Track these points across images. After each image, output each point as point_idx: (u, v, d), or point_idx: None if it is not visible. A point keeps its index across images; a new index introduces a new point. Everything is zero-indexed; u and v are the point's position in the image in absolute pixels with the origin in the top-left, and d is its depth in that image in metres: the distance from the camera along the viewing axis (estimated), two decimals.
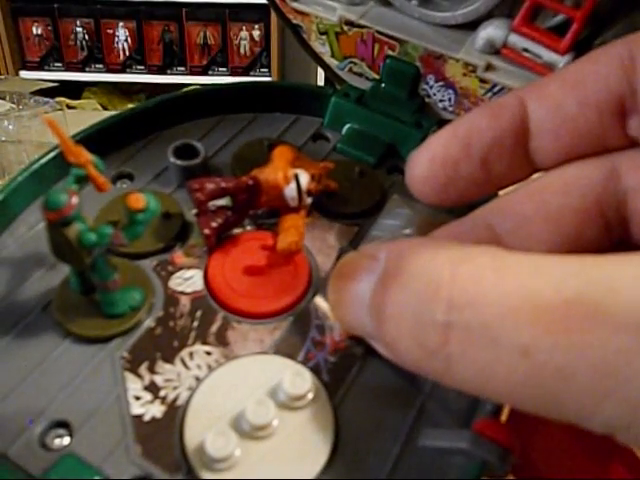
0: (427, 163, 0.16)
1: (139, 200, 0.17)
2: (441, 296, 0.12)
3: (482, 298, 0.12)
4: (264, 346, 0.20)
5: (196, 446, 0.17)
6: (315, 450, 0.17)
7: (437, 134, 0.17)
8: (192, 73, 1.64)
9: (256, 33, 1.59)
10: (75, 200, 0.16)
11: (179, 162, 0.24)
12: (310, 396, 0.18)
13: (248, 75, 1.63)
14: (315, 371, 0.19)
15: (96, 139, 0.25)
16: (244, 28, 1.58)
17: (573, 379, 0.11)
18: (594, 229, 0.15)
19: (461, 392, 0.13)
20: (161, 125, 0.27)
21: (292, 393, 0.18)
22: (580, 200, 0.15)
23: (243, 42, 1.60)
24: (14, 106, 0.66)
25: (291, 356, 0.20)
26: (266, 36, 1.58)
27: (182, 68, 1.64)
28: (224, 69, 1.63)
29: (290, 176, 0.21)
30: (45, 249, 0.22)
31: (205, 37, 1.60)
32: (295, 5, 0.28)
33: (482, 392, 0.13)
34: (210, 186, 0.21)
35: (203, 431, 0.17)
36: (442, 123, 0.27)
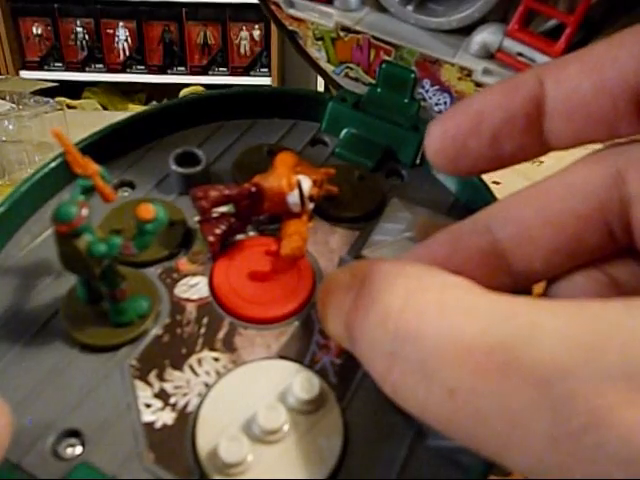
0: (439, 136, 0.17)
1: (149, 211, 0.17)
2: (388, 327, 0.13)
3: (422, 333, 0.12)
4: (271, 351, 0.20)
5: (209, 451, 0.17)
6: (325, 452, 0.18)
7: (452, 107, 0.17)
8: (192, 73, 1.64)
9: (256, 33, 1.59)
10: (85, 212, 0.16)
11: (180, 170, 0.24)
12: (319, 400, 0.19)
13: (248, 75, 1.64)
14: (322, 374, 0.20)
15: (97, 147, 0.25)
16: (244, 28, 1.59)
17: (487, 424, 0.11)
18: (596, 236, 0.15)
19: None
20: (160, 132, 0.27)
21: (302, 397, 0.18)
22: (582, 205, 0.15)
23: (243, 42, 1.60)
24: (14, 106, 0.66)
25: (298, 360, 0.20)
26: (266, 36, 1.59)
27: (182, 68, 1.64)
28: (224, 69, 1.63)
29: (293, 183, 0.21)
30: (50, 258, 0.22)
31: (205, 37, 1.60)
32: (291, 12, 0.28)
33: (422, 420, 0.13)
34: (213, 194, 0.21)
35: (215, 436, 0.18)
36: None
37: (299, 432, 0.18)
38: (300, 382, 0.18)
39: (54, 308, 0.21)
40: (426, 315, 0.13)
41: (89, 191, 0.18)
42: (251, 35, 1.59)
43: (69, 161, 0.18)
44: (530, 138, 0.16)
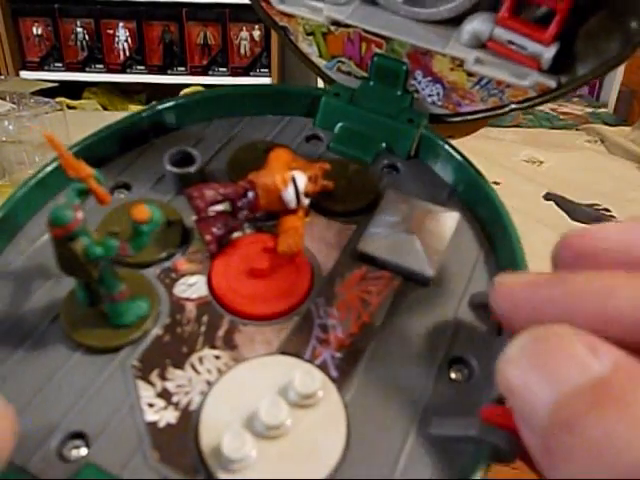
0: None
1: (144, 212, 0.17)
2: None
3: None
4: (271, 347, 0.20)
5: (212, 448, 0.18)
6: (328, 447, 0.18)
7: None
8: (192, 73, 1.64)
9: (256, 33, 1.60)
10: (80, 215, 0.16)
11: (175, 170, 0.24)
12: (320, 394, 0.19)
13: (248, 75, 1.64)
14: (323, 368, 0.20)
15: (91, 150, 0.25)
16: (244, 28, 1.60)
17: None
18: None
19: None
20: (154, 133, 0.27)
21: (303, 392, 0.18)
22: None
23: (243, 42, 1.61)
24: (14, 106, 0.66)
25: (298, 355, 0.20)
26: (266, 36, 1.60)
27: (182, 68, 1.65)
28: (224, 69, 1.64)
29: (287, 179, 0.21)
30: (49, 262, 0.22)
31: (205, 37, 1.61)
32: (281, 7, 0.28)
33: None
34: (209, 193, 0.21)
35: (218, 433, 0.18)
36: (433, 118, 0.28)
37: (301, 427, 0.18)
38: (300, 377, 0.18)
39: (54, 312, 0.21)
40: None
41: (84, 194, 0.18)
42: (251, 35, 1.60)
43: (62, 165, 0.18)
44: None
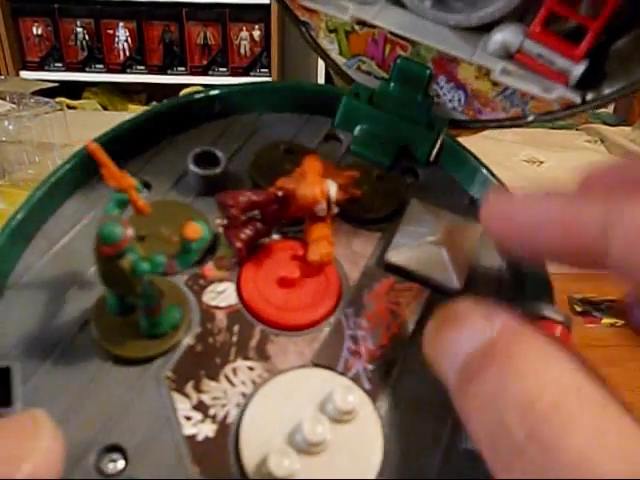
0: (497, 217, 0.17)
1: (196, 230, 0.16)
2: (527, 419, 0.12)
3: (563, 446, 0.12)
4: (304, 358, 0.21)
5: (256, 464, 0.18)
6: (367, 460, 0.18)
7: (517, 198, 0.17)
8: (192, 73, 1.65)
9: (256, 33, 1.60)
10: (130, 232, 0.16)
11: (201, 171, 0.24)
12: (358, 408, 0.19)
13: (248, 75, 1.65)
14: (356, 380, 0.20)
15: (109, 147, 0.24)
16: (244, 28, 1.60)
17: None
18: None
19: None
20: (172, 130, 0.26)
21: (343, 408, 0.18)
22: None
23: (243, 42, 1.62)
24: (14, 106, 0.64)
25: (331, 367, 0.20)
26: (266, 36, 1.60)
27: (182, 68, 1.65)
28: (224, 69, 1.65)
29: (326, 191, 0.21)
30: (71, 264, 0.22)
31: (205, 37, 1.61)
32: (305, 3, 0.27)
33: None
34: (243, 199, 0.21)
35: (259, 449, 0.18)
36: (452, 123, 0.28)
37: (340, 442, 0.18)
38: (341, 393, 0.19)
39: (82, 319, 0.20)
40: (577, 432, 0.12)
41: (124, 204, 0.18)
42: (251, 35, 1.61)
43: (104, 175, 0.17)
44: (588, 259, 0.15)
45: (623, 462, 0.11)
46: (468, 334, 0.15)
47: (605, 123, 1.16)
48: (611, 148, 1.00)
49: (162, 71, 1.66)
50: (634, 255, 0.14)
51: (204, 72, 1.66)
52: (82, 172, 0.23)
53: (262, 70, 1.66)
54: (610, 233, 0.14)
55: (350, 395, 0.19)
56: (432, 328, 0.16)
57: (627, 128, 1.09)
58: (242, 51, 1.63)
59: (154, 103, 1.67)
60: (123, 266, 0.16)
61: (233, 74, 1.65)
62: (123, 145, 0.24)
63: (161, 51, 1.64)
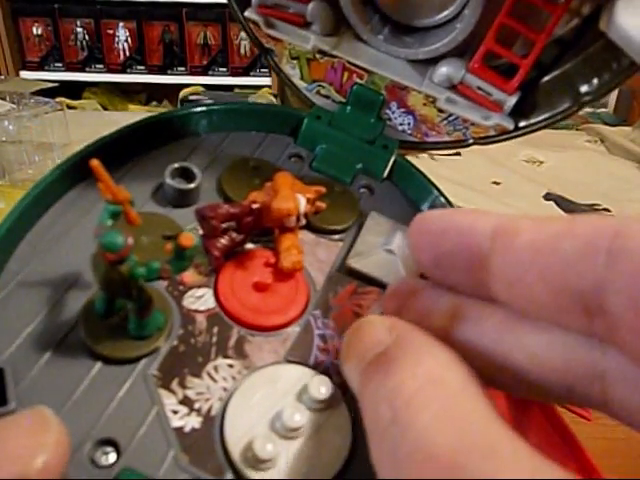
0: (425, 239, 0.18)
1: (190, 239, 0.18)
2: (395, 404, 0.14)
3: (413, 425, 0.13)
4: (279, 355, 0.23)
5: (240, 450, 0.20)
6: (338, 445, 0.21)
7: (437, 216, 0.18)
8: (192, 73, 1.64)
9: None
10: (131, 240, 0.18)
11: (179, 185, 0.25)
12: (330, 399, 0.21)
13: (248, 75, 1.65)
14: (326, 374, 0.22)
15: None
16: None
17: None
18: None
19: None
20: (146, 147, 0.28)
21: (318, 398, 0.21)
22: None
23: (243, 42, 1.62)
24: (14, 106, 0.62)
25: (304, 362, 0.23)
26: None
27: (182, 68, 1.64)
28: (224, 69, 1.64)
29: (298, 205, 0.23)
30: (59, 269, 0.23)
31: (205, 37, 1.60)
32: (270, 32, 0.30)
33: None
34: (222, 212, 0.23)
35: (242, 436, 0.20)
36: (402, 144, 0.31)
37: (314, 428, 0.21)
38: (315, 384, 0.21)
39: (71, 321, 0.22)
40: (426, 412, 0.14)
41: (117, 215, 0.19)
42: None
43: (102, 188, 0.19)
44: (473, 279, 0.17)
45: (457, 436, 0.13)
46: (370, 343, 0.17)
47: (605, 123, 1.15)
48: (611, 148, 0.98)
49: (162, 71, 1.65)
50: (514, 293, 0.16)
51: (204, 72, 1.66)
52: (67, 180, 0.25)
53: (262, 70, 1.66)
54: None
55: (323, 386, 0.21)
56: (344, 343, 0.18)
57: (627, 128, 1.08)
58: (242, 51, 1.64)
59: (154, 103, 1.66)
60: (124, 272, 0.18)
61: (233, 74, 1.65)
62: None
63: (161, 51, 1.63)
